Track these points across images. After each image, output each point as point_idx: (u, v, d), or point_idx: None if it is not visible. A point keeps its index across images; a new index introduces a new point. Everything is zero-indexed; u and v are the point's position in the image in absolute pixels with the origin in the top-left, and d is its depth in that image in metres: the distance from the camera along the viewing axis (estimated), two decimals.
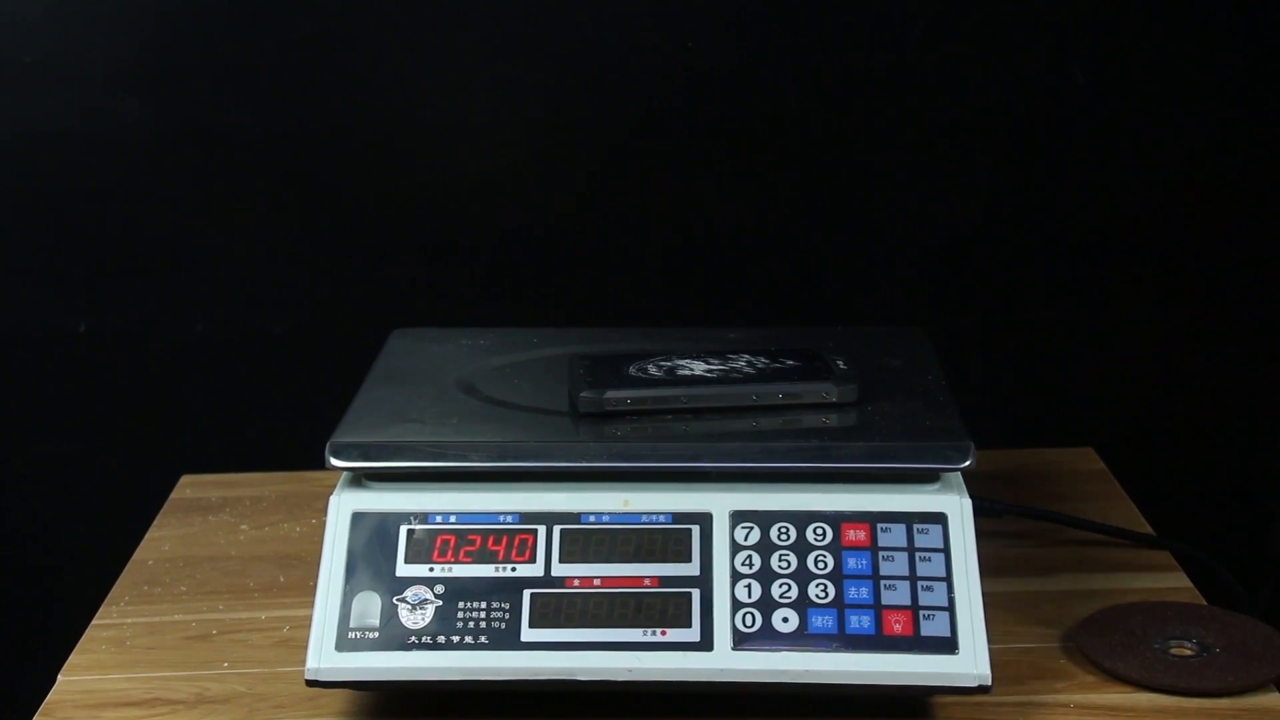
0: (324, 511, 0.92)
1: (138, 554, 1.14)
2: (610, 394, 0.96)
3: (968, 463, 0.91)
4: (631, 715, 0.91)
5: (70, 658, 1.01)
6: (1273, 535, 1.13)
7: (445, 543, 0.91)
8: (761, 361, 0.98)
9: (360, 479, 0.94)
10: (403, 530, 0.91)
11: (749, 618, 0.89)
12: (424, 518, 0.92)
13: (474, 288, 1.42)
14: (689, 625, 0.89)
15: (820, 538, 0.91)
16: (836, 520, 0.91)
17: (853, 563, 0.90)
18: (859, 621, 0.88)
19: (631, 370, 0.98)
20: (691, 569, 0.90)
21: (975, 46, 1.36)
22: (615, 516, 0.91)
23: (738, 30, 1.37)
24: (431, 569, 0.91)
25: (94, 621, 1.05)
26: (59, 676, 0.99)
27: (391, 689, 0.92)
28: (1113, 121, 1.38)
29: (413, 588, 0.90)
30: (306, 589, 0.93)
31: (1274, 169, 1.38)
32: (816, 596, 0.89)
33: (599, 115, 1.39)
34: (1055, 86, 1.37)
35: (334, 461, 0.92)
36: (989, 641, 0.88)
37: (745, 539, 0.91)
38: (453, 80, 1.38)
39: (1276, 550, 1.21)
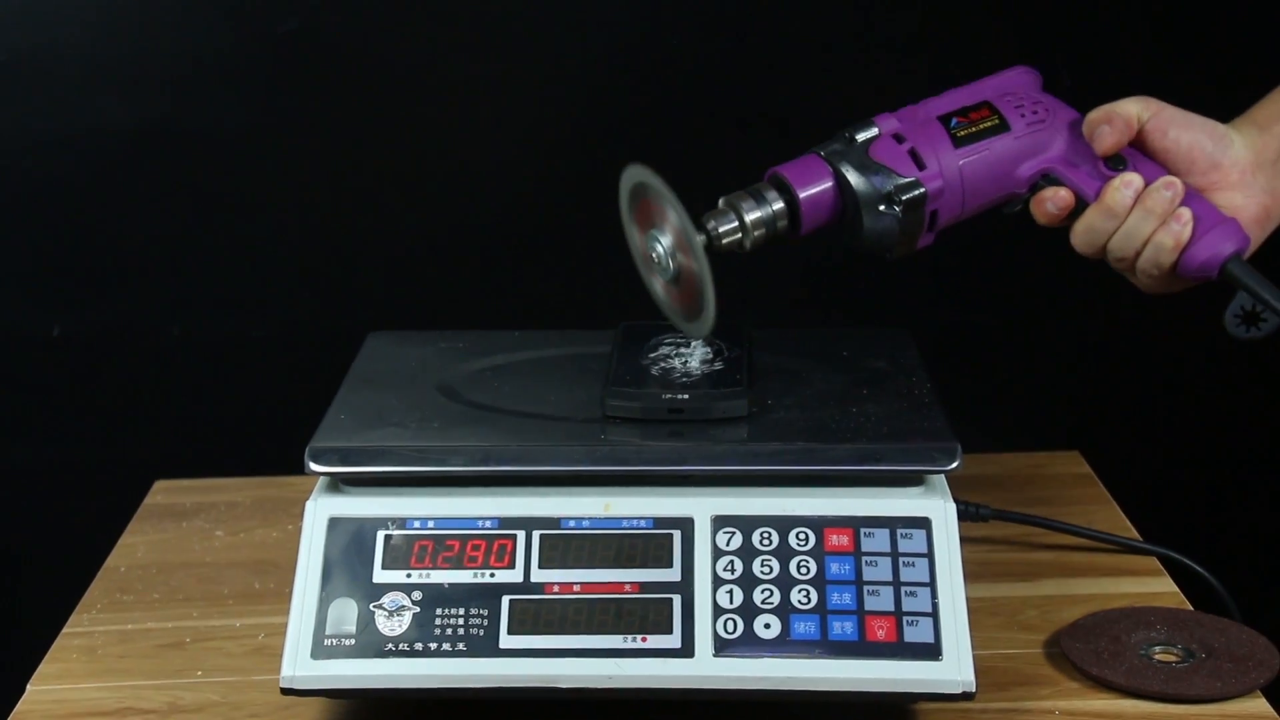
0: (300, 517, 0.91)
1: (110, 560, 1.13)
2: None
3: (955, 464, 0.91)
4: None
5: (40, 667, 1.00)
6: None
7: (423, 548, 0.90)
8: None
9: (337, 484, 0.93)
10: (380, 536, 0.91)
11: (730, 624, 0.88)
12: (401, 523, 0.91)
13: (452, 290, 1.42)
14: (670, 631, 0.88)
15: (803, 543, 0.90)
16: (819, 525, 0.90)
17: (835, 568, 0.89)
18: (842, 627, 0.88)
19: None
20: (673, 574, 0.89)
21: (962, 47, 1.36)
22: (595, 521, 0.91)
23: (728, 27, 1.37)
24: (409, 575, 0.90)
25: (65, 629, 1.04)
26: (28, 686, 0.98)
27: (368, 697, 0.92)
28: None
29: (390, 594, 0.89)
30: (282, 596, 0.93)
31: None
32: (799, 602, 0.88)
33: (577, 117, 1.39)
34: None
35: (313, 466, 0.92)
36: (973, 647, 0.88)
37: (727, 544, 0.90)
38: (430, 83, 1.38)
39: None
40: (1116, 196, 0.91)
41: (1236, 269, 0.90)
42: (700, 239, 0.90)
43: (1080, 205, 0.93)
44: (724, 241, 0.91)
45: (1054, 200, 0.93)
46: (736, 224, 0.91)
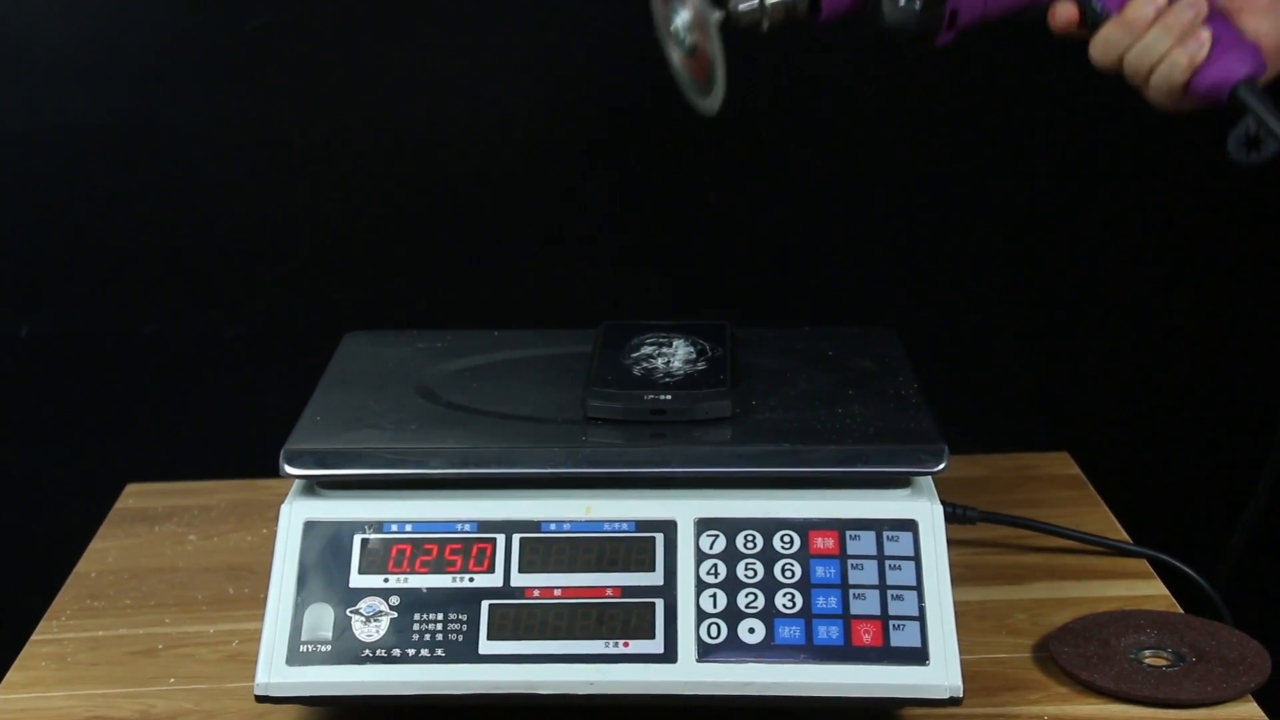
0: (275, 520, 0.91)
1: (80, 566, 1.12)
2: None
3: (941, 466, 0.90)
4: None
5: (8, 675, 0.99)
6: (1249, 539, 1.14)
7: (401, 552, 0.89)
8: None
9: (313, 487, 0.92)
10: (357, 540, 0.90)
11: (714, 628, 0.87)
12: (379, 526, 0.90)
13: (430, 289, 1.41)
14: (652, 636, 0.87)
15: (787, 545, 0.89)
16: (804, 527, 0.90)
17: (821, 571, 0.89)
18: (827, 632, 0.87)
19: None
20: (655, 578, 0.88)
21: (950, 47, 1.35)
22: (576, 525, 0.90)
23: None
24: (386, 580, 0.89)
25: (33, 636, 1.03)
26: None
27: (344, 704, 0.91)
28: (1088, 123, 1.37)
29: (367, 599, 0.88)
30: (256, 601, 0.92)
31: (1250, 172, 1.37)
32: (784, 606, 0.88)
33: (558, 114, 1.38)
34: (1030, 88, 1.36)
35: (289, 469, 0.91)
36: (960, 652, 0.87)
37: (710, 547, 0.89)
38: (406, 80, 1.37)
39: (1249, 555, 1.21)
40: (1138, 11, 0.92)
41: (1245, 93, 0.91)
42: (717, 16, 0.90)
43: (1102, 20, 0.94)
44: (743, 20, 0.92)
45: (1064, 12, 0.95)
46: (756, 2, 0.92)
